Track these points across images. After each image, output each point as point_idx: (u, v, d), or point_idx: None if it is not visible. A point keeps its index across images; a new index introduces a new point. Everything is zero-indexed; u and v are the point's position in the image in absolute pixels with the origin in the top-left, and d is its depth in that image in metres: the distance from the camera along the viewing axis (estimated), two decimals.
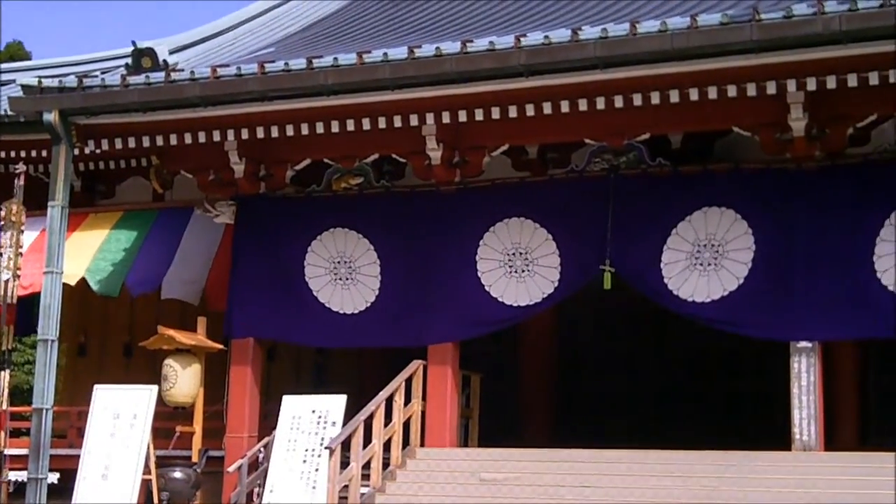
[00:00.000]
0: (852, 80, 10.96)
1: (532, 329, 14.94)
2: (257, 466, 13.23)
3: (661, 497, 11.14)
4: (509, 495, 11.66)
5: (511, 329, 14.11)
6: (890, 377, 14.06)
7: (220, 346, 13.88)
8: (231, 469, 13.20)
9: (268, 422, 13.72)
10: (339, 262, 13.62)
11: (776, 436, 12.21)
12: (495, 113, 12.16)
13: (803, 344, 11.77)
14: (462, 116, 12.30)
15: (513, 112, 12.09)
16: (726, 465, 11.41)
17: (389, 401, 12.51)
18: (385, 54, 11.93)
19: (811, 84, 11.11)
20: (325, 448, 12.03)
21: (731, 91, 11.32)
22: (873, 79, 10.90)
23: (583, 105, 11.83)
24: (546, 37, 11.36)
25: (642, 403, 15.32)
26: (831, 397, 12.68)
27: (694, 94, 11.45)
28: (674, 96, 11.51)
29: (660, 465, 11.60)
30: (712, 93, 11.39)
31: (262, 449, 13.28)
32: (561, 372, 15.49)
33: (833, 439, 12.52)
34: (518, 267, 12.95)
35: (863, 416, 13.83)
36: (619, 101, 11.71)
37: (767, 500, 10.79)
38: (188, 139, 13.33)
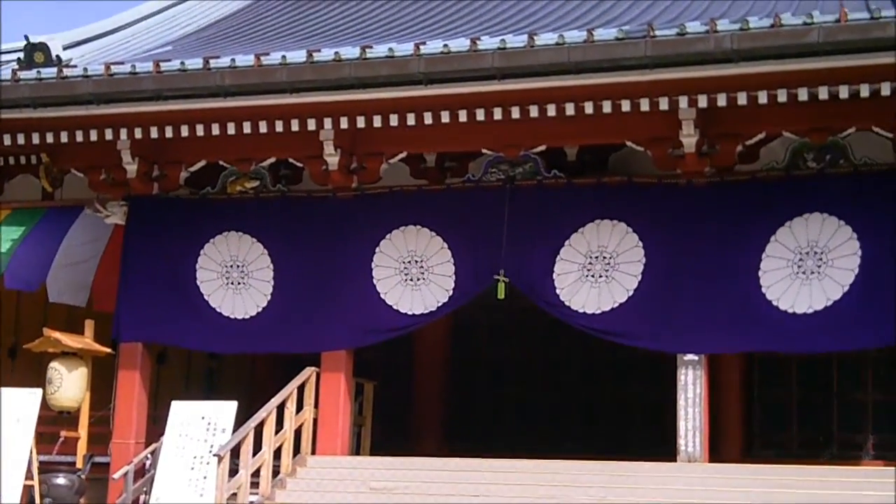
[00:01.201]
0: (742, 99, 11.22)
1: (427, 337, 14.97)
2: (144, 473, 12.98)
3: None
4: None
5: (406, 337, 14.07)
6: (773, 390, 14.42)
7: (108, 350, 13.60)
8: (116, 475, 12.91)
9: (156, 428, 13.47)
10: (231, 267, 13.46)
11: (664, 446, 12.43)
12: (394, 120, 12.17)
13: (690, 356, 11.97)
14: (360, 122, 12.28)
15: (411, 119, 12.12)
16: (614, 474, 11.55)
17: (281, 408, 12.38)
18: (283, 57, 11.85)
19: (702, 101, 11.35)
20: (214, 455, 11.84)
21: (625, 106, 11.51)
22: (762, 97, 11.17)
23: (480, 115, 11.92)
24: (445, 45, 11.41)
25: (535, 412, 15.44)
26: (717, 409, 12.95)
27: (589, 108, 11.62)
28: (569, 109, 11.66)
29: (549, 475, 11.69)
30: (607, 107, 11.57)
31: (149, 455, 13.03)
32: (455, 380, 15.54)
33: (718, 451, 12.79)
34: (413, 275, 12.96)
35: (747, 428, 14.15)
36: (516, 112, 11.83)
37: None
38: (80, 137, 13.06)
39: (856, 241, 11.67)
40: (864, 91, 10.92)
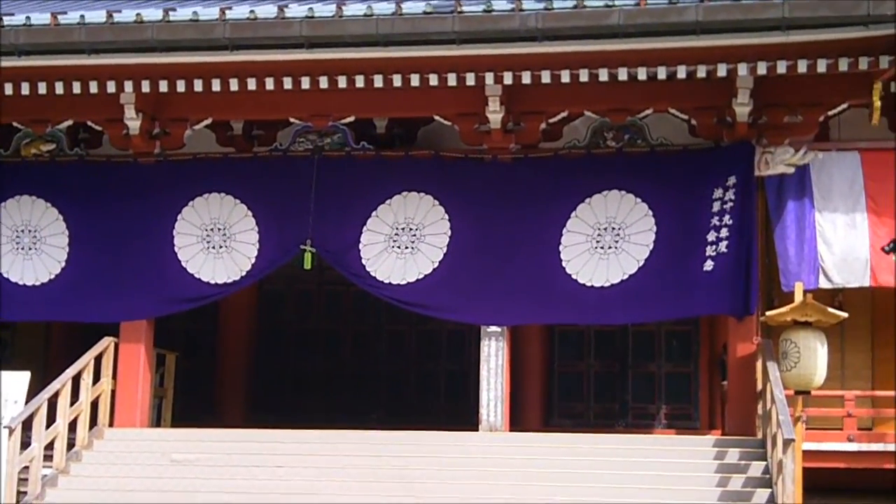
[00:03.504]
0: (546, 77, 11.48)
1: (232, 307, 14.77)
2: None
3: (352, 476, 11.31)
4: (201, 476, 11.49)
5: (211, 306, 13.91)
6: (572, 362, 14.85)
7: None
8: None
9: None
10: (22, 231, 13.00)
11: (467, 416, 12.66)
12: (198, 85, 11.95)
13: (493, 328, 12.27)
14: (163, 86, 12.01)
15: (216, 86, 11.93)
16: (417, 444, 11.71)
17: (77, 379, 12.05)
18: (82, 17, 11.50)
19: (508, 78, 11.56)
20: (4, 427, 11.41)
21: (433, 80, 11.63)
22: (565, 77, 11.46)
23: (288, 83, 11.83)
24: (252, 11, 11.28)
25: (341, 383, 15.46)
26: (518, 380, 13.26)
27: (397, 81, 11.68)
28: (378, 81, 11.70)
29: (354, 445, 11.76)
30: (415, 80, 11.65)
31: None
32: (261, 351, 15.41)
33: (519, 420, 13.12)
34: (216, 243, 12.77)
35: (547, 398, 14.56)
36: (324, 82, 11.78)
37: (453, 477, 11.14)
38: None
39: (651, 218, 12.14)
40: (662, 74, 11.35)
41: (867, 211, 11.94)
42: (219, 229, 12.79)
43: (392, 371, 15.45)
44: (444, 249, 12.41)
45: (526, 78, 11.48)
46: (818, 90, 11.62)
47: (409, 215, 12.54)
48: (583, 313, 12.30)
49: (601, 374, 14.69)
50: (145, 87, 12.01)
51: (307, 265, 12.55)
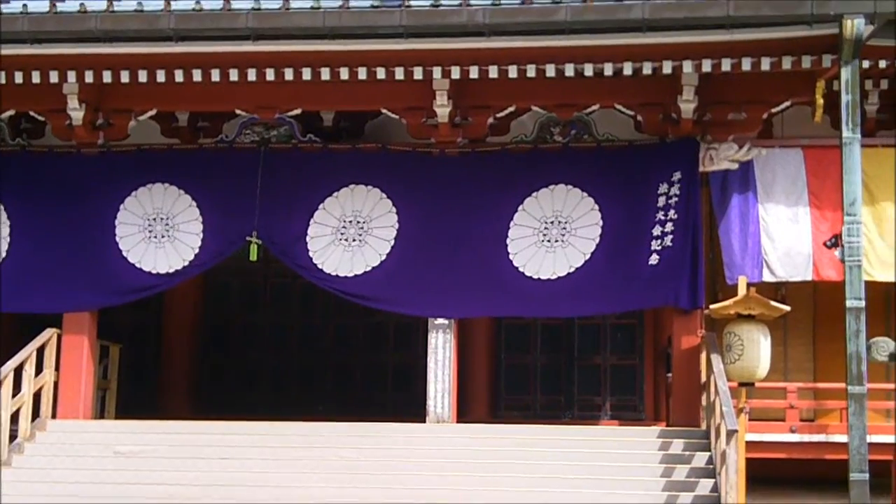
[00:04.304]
0: (493, 72, 11.52)
1: (177, 298, 14.66)
2: None
3: (300, 468, 11.31)
4: (144, 468, 11.44)
5: (155, 298, 13.81)
6: (518, 354, 14.95)
7: None
8: None
9: None
10: None
11: (415, 408, 12.69)
12: (143, 76, 11.85)
13: (440, 321, 12.31)
14: (107, 77, 11.89)
15: (161, 76, 11.83)
16: (365, 436, 11.72)
17: (20, 371, 11.91)
18: (24, 6, 11.33)
19: (456, 73, 11.59)
20: None
21: (381, 73, 11.62)
22: (512, 72, 11.50)
23: (234, 75, 11.78)
24: (197, 2, 11.20)
25: (289, 376, 15.43)
26: (465, 372, 13.33)
27: (345, 74, 11.66)
28: (325, 74, 11.68)
29: (301, 437, 11.76)
30: (362, 73, 11.64)
31: None
32: (206, 343, 15.32)
33: (466, 412, 13.19)
34: (158, 232, 12.68)
35: (494, 390, 14.64)
36: (270, 74, 11.75)
37: (401, 469, 11.19)
38: None
39: (597, 212, 12.24)
40: (608, 70, 11.44)
41: (809, 206, 12.16)
42: (161, 219, 12.69)
43: (339, 363, 15.43)
44: (392, 242, 12.42)
45: (473, 73, 11.52)
46: (762, 88, 11.76)
47: (356, 208, 12.53)
48: (530, 306, 12.37)
49: (547, 367, 14.80)
50: (89, 77, 11.89)
51: (253, 257, 12.50)
